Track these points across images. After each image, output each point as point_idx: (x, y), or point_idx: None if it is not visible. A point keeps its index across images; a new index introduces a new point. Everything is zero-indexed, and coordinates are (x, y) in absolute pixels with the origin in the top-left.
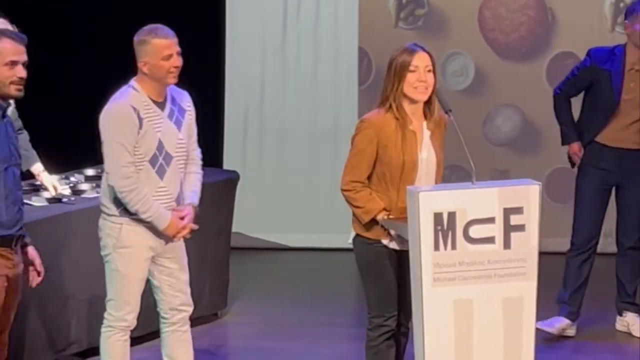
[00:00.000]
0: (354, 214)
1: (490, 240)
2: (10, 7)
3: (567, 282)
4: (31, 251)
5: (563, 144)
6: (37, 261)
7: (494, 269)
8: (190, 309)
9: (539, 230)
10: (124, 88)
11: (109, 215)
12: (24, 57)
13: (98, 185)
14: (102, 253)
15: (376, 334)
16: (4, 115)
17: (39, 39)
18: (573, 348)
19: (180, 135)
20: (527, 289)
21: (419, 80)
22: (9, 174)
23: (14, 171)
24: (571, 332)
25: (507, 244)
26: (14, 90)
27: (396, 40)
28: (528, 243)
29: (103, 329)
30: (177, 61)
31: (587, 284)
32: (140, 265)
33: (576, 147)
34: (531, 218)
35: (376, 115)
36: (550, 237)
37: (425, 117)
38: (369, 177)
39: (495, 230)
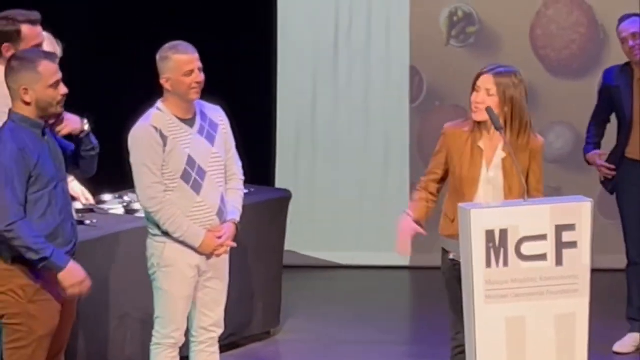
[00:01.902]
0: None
1: (542, 257)
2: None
3: (632, 297)
4: None
5: (585, 159)
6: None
7: (546, 285)
8: (220, 331)
9: (591, 247)
10: (149, 110)
11: (153, 235)
12: (60, 74)
13: None
14: (149, 272)
15: (451, 346)
16: (44, 134)
17: (88, 54)
18: None
19: (214, 149)
20: (579, 305)
21: (475, 101)
22: (59, 190)
23: (63, 187)
24: None
25: (559, 261)
26: (59, 108)
27: (448, 58)
28: (580, 260)
29: (152, 346)
30: (199, 77)
31: None
32: (184, 283)
33: (591, 156)
34: (583, 235)
35: (455, 125)
36: (602, 254)
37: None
38: (451, 187)
39: (547, 247)
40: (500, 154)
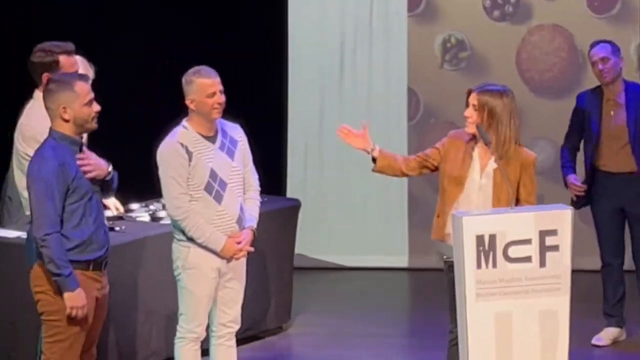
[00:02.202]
0: None
1: (527, 259)
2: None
3: (607, 295)
4: None
5: (564, 182)
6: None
7: (531, 285)
8: (237, 326)
9: (571, 250)
10: (175, 128)
11: (178, 240)
12: (93, 94)
13: None
14: (174, 273)
15: (448, 338)
16: (81, 150)
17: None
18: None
19: (234, 163)
20: (561, 303)
21: (465, 114)
22: (93, 202)
23: (96, 198)
24: (622, 337)
25: (542, 263)
26: (94, 123)
27: (442, 80)
28: (562, 261)
29: (176, 340)
30: (220, 98)
31: (624, 294)
32: (207, 283)
33: (571, 178)
34: (564, 239)
35: (458, 132)
36: (582, 256)
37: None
38: (440, 188)
39: (532, 250)
40: (492, 165)
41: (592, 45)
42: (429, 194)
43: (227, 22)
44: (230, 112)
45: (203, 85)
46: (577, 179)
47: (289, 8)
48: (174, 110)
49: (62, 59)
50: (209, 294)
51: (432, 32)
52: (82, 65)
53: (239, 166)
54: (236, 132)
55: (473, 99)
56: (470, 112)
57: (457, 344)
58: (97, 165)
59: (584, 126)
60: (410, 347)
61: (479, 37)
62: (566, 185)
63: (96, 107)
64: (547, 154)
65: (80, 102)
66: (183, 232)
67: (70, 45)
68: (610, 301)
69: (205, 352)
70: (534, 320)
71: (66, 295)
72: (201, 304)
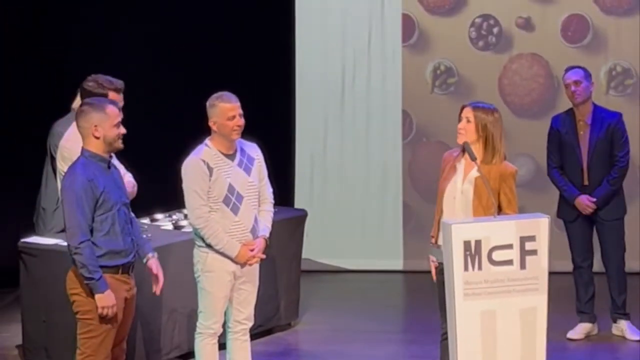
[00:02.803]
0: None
1: (509, 262)
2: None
3: (579, 294)
4: (153, 263)
5: (572, 203)
6: (158, 272)
7: (512, 285)
8: (250, 323)
9: (548, 254)
10: (199, 146)
11: (199, 246)
12: (121, 116)
13: None
14: (195, 275)
15: (440, 332)
16: (110, 167)
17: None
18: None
19: (250, 178)
20: (539, 301)
21: (458, 127)
22: (121, 213)
23: (124, 210)
24: (594, 331)
25: (523, 265)
26: (120, 144)
27: (433, 103)
28: (540, 264)
29: (196, 335)
30: (240, 121)
31: (594, 292)
32: (223, 285)
33: (584, 198)
34: (542, 244)
35: (450, 152)
36: (558, 259)
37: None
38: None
39: (513, 254)
40: (474, 174)
41: (567, 70)
42: (421, 204)
43: (241, 51)
44: (251, 133)
45: (224, 109)
46: (589, 198)
47: (296, 36)
48: (196, 132)
49: (111, 94)
50: (225, 294)
51: (423, 61)
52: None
53: (254, 181)
54: (253, 150)
55: (467, 113)
56: (463, 125)
57: (447, 338)
58: (126, 184)
59: (562, 145)
60: (405, 342)
61: (466, 64)
62: (572, 202)
63: (122, 130)
64: (527, 168)
65: (110, 123)
66: (203, 239)
67: (121, 83)
68: (582, 299)
69: (222, 346)
70: (516, 317)
71: (97, 296)
72: (218, 303)
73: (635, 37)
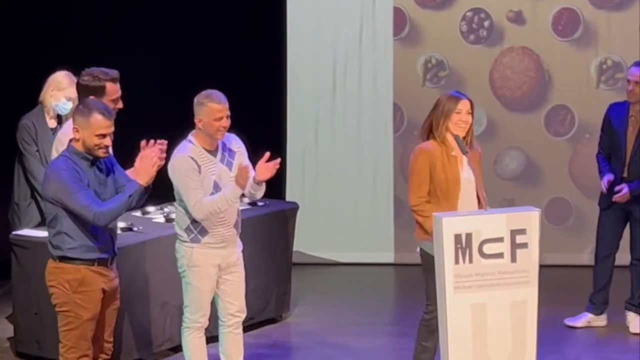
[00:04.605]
0: (420, 225)
1: (500, 255)
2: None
3: (595, 284)
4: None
5: (604, 186)
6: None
7: (503, 278)
8: (243, 315)
9: (539, 247)
10: (183, 142)
11: (182, 241)
12: (111, 130)
13: None
14: (179, 270)
15: (429, 317)
16: (93, 164)
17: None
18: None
19: (232, 173)
20: (530, 294)
21: (461, 120)
22: None
23: None
24: (596, 323)
25: (513, 258)
26: (101, 153)
27: (424, 96)
28: (530, 257)
29: (182, 329)
30: (226, 122)
31: (609, 286)
32: (209, 279)
33: (607, 179)
34: (532, 237)
35: (427, 145)
36: (548, 252)
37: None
38: (433, 193)
39: (504, 247)
40: (465, 159)
41: (633, 65)
42: None
43: (232, 45)
44: (240, 128)
45: (213, 110)
46: (608, 180)
47: (288, 29)
48: (182, 125)
49: (109, 85)
50: (211, 288)
51: (414, 54)
52: (67, 78)
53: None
54: (234, 143)
55: (467, 105)
56: (467, 119)
57: (428, 320)
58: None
59: (611, 133)
60: (396, 334)
61: (457, 58)
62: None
63: (106, 142)
64: (518, 162)
65: (90, 132)
66: (187, 235)
67: (116, 73)
68: (595, 289)
69: (214, 338)
70: (506, 309)
71: (139, 183)
72: (204, 297)
73: (625, 31)
